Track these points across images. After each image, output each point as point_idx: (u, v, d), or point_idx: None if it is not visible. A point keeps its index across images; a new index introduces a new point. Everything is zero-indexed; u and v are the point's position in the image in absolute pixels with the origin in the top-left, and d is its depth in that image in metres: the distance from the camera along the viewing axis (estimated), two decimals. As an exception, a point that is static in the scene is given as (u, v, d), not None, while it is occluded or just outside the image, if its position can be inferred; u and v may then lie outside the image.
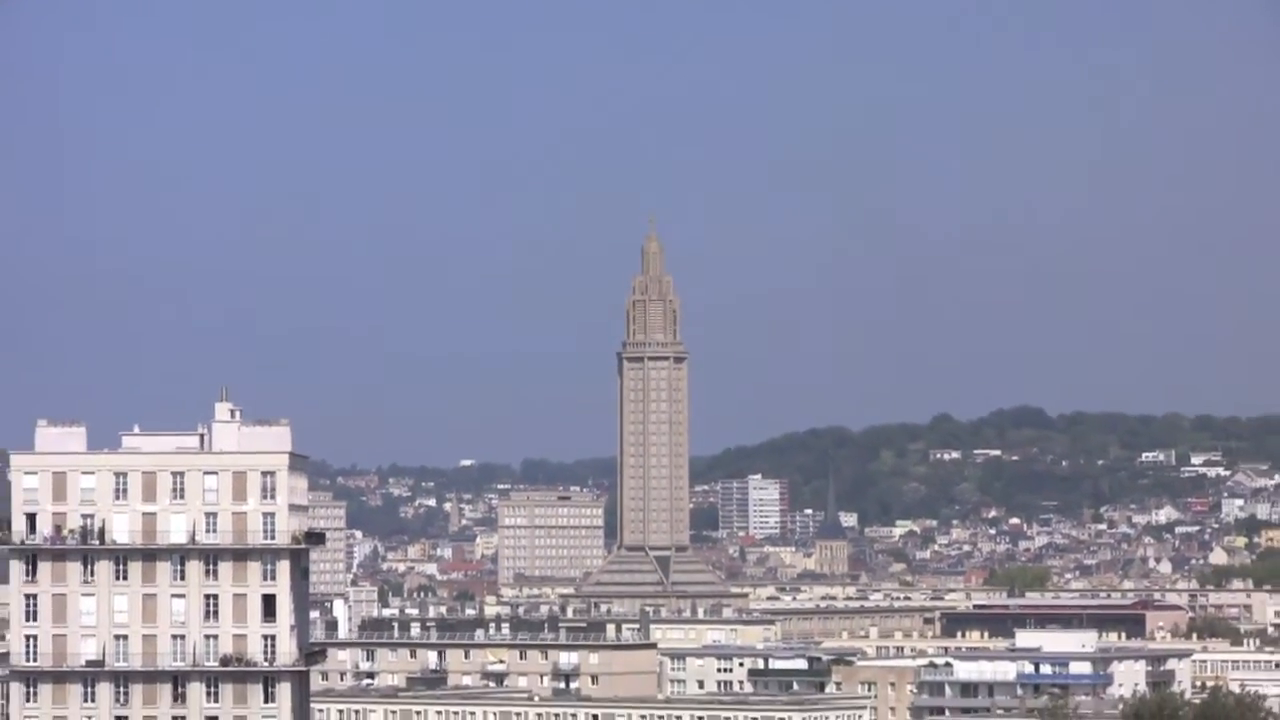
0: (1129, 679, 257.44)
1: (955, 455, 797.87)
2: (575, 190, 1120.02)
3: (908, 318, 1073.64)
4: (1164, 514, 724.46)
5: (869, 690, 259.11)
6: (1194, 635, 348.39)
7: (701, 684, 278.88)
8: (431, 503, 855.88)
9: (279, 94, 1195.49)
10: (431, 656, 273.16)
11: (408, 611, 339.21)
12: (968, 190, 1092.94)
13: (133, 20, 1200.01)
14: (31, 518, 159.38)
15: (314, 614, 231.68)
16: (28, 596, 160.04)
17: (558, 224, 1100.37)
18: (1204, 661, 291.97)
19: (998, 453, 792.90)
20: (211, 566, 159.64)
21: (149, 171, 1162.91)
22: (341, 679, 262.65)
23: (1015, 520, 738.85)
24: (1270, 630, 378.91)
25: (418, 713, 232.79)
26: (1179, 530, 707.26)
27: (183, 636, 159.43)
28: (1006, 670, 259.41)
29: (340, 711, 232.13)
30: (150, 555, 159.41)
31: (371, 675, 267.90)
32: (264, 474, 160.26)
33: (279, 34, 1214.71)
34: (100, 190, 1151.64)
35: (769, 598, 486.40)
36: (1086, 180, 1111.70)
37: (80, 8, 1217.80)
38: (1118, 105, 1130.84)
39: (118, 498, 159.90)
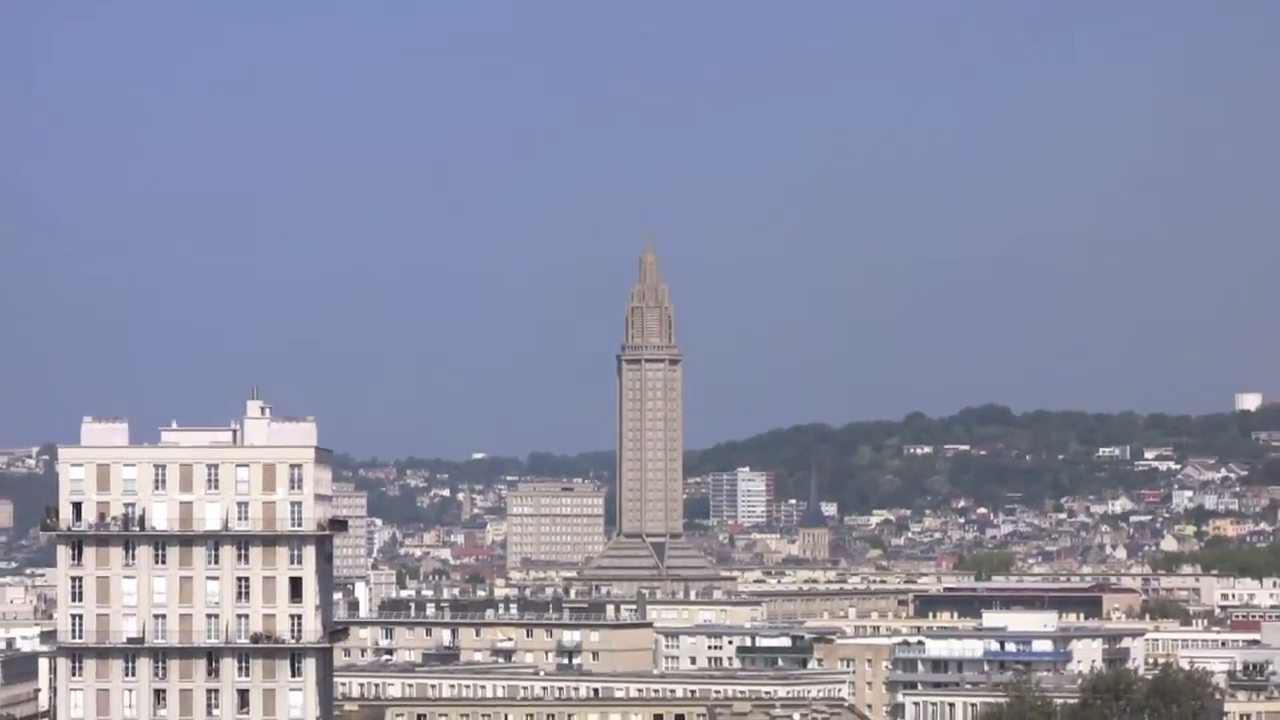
0: (1087, 656, 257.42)
1: (927, 450, 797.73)
2: (579, 205, 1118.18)
3: (884, 323, 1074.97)
4: (1119, 504, 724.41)
5: (848, 666, 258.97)
6: (1147, 616, 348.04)
7: (694, 660, 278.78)
8: (445, 493, 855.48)
9: (287, 107, 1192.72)
10: (445, 634, 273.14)
11: (423, 593, 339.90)
12: (939, 205, 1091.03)
13: (199, 21, 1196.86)
14: (77, 506, 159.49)
15: (337, 595, 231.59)
16: (73, 579, 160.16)
17: (563, 237, 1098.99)
18: (1156, 640, 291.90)
19: (966, 448, 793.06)
20: (243, 551, 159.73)
21: (192, 185, 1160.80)
22: (362, 655, 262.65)
23: (982, 510, 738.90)
24: (1217, 612, 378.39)
25: (432, 686, 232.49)
26: (1133, 519, 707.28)
27: (216, 616, 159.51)
28: (974, 648, 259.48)
29: (361, 685, 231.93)
30: (187, 541, 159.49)
31: (390, 652, 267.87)
32: (292, 466, 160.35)
33: (290, 46, 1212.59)
34: (144, 202, 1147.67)
35: (756, 581, 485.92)
36: (1049, 192, 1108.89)
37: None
38: (1083, 112, 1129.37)
39: (157, 488, 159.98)
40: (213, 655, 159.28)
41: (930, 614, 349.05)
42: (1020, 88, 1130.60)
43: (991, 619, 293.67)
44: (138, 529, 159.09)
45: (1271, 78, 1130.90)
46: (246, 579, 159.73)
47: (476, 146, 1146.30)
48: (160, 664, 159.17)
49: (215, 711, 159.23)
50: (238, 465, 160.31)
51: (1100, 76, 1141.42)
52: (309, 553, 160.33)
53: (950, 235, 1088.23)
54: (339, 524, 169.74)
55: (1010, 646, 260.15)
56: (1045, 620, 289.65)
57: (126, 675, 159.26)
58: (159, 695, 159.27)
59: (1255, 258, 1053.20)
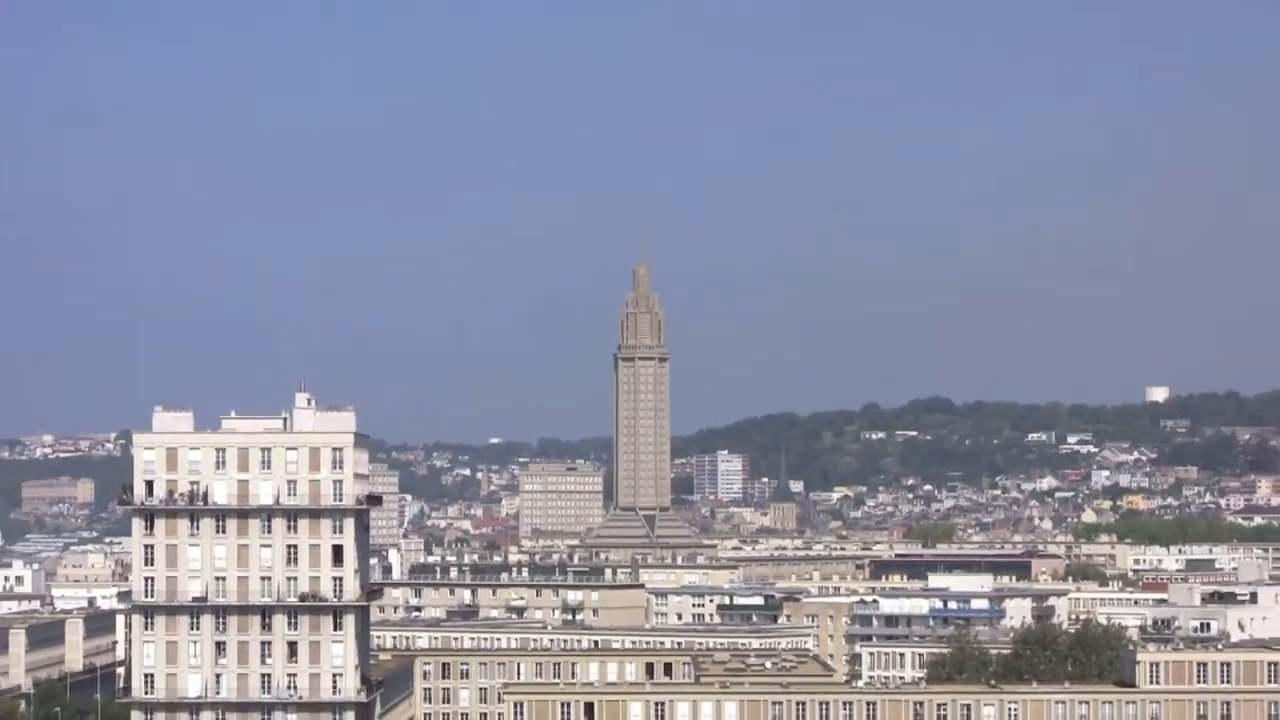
0: (1018, 613, 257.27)
1: (881, 435, 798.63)
2: (582, 225, 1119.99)
3: (844, 327, 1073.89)
4: (1046, 482, 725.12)
5: (812, 622, 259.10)
6: (1069, 579, 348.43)
7: (680, 616, 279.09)
8: (466, 472, 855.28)
9: (320, 124, 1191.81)
10: (466, 594, 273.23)
11: (447, 559, 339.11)
12: (894, 218, 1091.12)
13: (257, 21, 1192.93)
14: (150, 484, 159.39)
15: (373, 560, 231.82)
16: (146, 547, 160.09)
17: (569, 253, 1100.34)
18: (1078, 599, 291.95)
19: (914, 434, 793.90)
20: (292, 523, 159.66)
21: (249, 201, 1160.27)
22: (395, 612, 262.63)
23: (928, 487, 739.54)
24: (1130, 575, 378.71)
25: (455, 639, 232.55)
26: (1058, 495, 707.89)
27: (269, 578, 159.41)
28: (921, 606, 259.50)
29: (394, 638, 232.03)
30: (244, 514, 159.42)
31: (419, 609, 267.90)
32: (334, 450, 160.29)
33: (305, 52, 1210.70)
34: (210, 217, 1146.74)
35: (733, 548, 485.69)
36: (982, 204, 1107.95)
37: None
38: (1008, 118, 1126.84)
39: (218, 468, 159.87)
40: (266, 612, 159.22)
41: (883, 577, 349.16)
42: (958, 94, 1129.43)
43: (936, 581, 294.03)
44: (201, 504, 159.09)
45: (1177, 79, 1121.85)
46: (295, 546, 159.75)
47: (501, 178, 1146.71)
48: (220, 620, 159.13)
49: (268, 660, 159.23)
50: (287, 449, 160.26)
51: (1015, 83, 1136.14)
52: (349, 524, 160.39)
53: (901, 249, 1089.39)
54: (374, 499, 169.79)
55: (952, 605, 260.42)
56: (982, 582, 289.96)
57: (191, 630, 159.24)
58: (219, 646, 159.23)
59: (1165, 268, 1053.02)
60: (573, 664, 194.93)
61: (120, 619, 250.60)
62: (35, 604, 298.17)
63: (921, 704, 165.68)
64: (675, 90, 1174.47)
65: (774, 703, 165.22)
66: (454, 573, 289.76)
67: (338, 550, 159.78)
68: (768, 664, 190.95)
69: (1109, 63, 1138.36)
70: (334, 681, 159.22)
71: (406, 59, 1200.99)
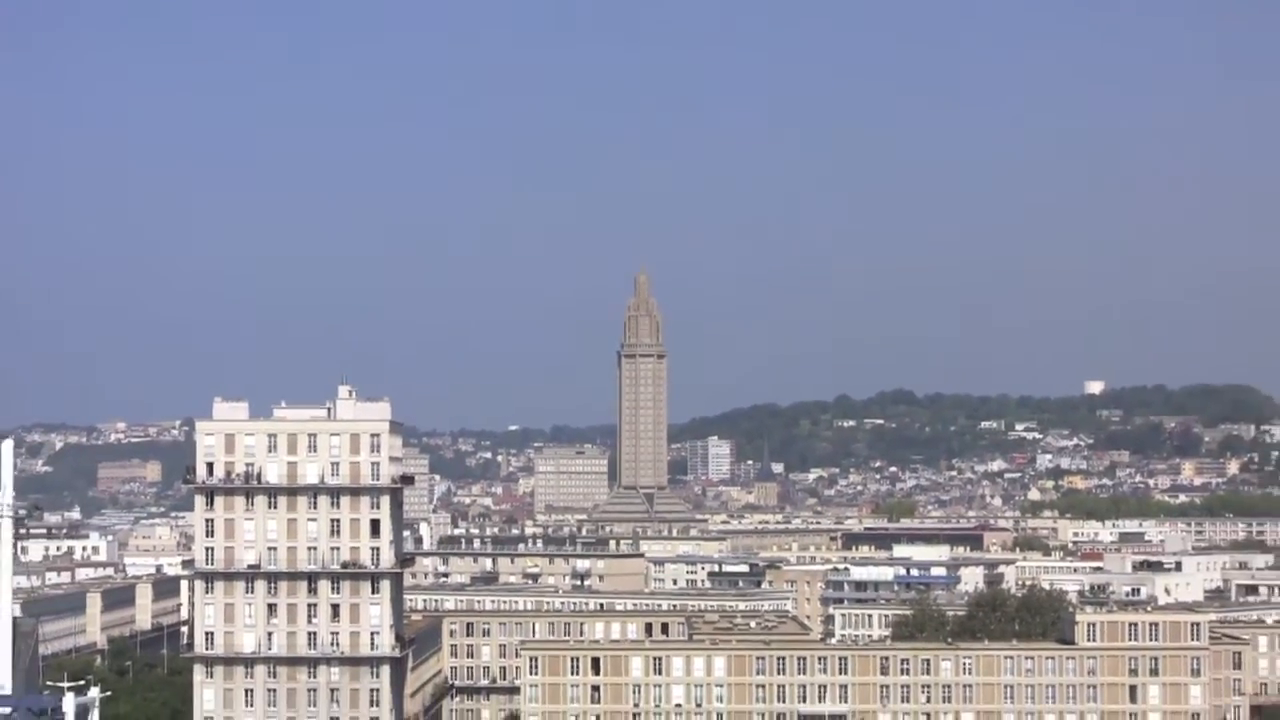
0: (972, 580, 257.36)
1: (852, 424, 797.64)
2: (592, 238, 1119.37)
3: (820, 328, 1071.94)
4: (996, 465, 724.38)
5: (791, 587, 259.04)
6: (1017, 549, 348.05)
7: (675, 582, 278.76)
8: (488, 455, 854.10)
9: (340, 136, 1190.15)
10: (488, 562, 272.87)
11: (471, 531, 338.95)
12: (864, 232, 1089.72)
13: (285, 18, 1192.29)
14: (210, 465, 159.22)
15: (406, 533, 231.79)
16: (206, 520, 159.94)
17: (580, 263, 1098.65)
18: (1024, 567, 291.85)
19: (881, 422, 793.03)
20: (335, 500, 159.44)
21: (289, 212, 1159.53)
22: (425, 578, 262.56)
23: (893, 469, 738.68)
24: (1069, 546, 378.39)
25: (478, 601, 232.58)
26: (1006, 476, 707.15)
27: (315, 548, 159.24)
28: (886, 573, 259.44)
29: (424, 601, 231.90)
30: (292, 492, 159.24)
31: (446, 575, 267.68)
32: (371, 435, 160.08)
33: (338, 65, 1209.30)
34: (261, 223, 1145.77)
35: (722, 522, 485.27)
36: (949, 210, 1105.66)
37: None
38: (957, 120, 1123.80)
39: (269, 451, 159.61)
40: (312, 578, 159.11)
41: (853, 547, 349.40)
42: (925, 104, 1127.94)
43: (900, 551, 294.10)
44: (255, 483, 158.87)
45: (1118, 79, 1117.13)
46: (338, 520, 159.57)
47: (522, 198, 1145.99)
48: (272, 584, 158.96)
49: (314, 620, 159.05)
50: (331, 434, 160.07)
51: (969, 97, 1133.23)
52: (385, 501, 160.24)
53: (871, 259, 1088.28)
54: (407, 479, 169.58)
55: (914, 572, 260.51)
56: (940, 552, 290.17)
57: (246, 593, 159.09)
58: (271, 608, 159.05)
59: (1102, 276, 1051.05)
60: (581, 624, 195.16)
61: (184, 584, 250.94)
62: (109, 571, 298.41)
63: (887, 659, 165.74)
64: (675, 106, 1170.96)
65: (757, 657, 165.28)
66: (477, 543, 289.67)
67: (375, 524, 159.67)
68: (752, 624, 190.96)
69: (1079, 68, 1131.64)
70: (371, 639, 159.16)
71: (437, 70, 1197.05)
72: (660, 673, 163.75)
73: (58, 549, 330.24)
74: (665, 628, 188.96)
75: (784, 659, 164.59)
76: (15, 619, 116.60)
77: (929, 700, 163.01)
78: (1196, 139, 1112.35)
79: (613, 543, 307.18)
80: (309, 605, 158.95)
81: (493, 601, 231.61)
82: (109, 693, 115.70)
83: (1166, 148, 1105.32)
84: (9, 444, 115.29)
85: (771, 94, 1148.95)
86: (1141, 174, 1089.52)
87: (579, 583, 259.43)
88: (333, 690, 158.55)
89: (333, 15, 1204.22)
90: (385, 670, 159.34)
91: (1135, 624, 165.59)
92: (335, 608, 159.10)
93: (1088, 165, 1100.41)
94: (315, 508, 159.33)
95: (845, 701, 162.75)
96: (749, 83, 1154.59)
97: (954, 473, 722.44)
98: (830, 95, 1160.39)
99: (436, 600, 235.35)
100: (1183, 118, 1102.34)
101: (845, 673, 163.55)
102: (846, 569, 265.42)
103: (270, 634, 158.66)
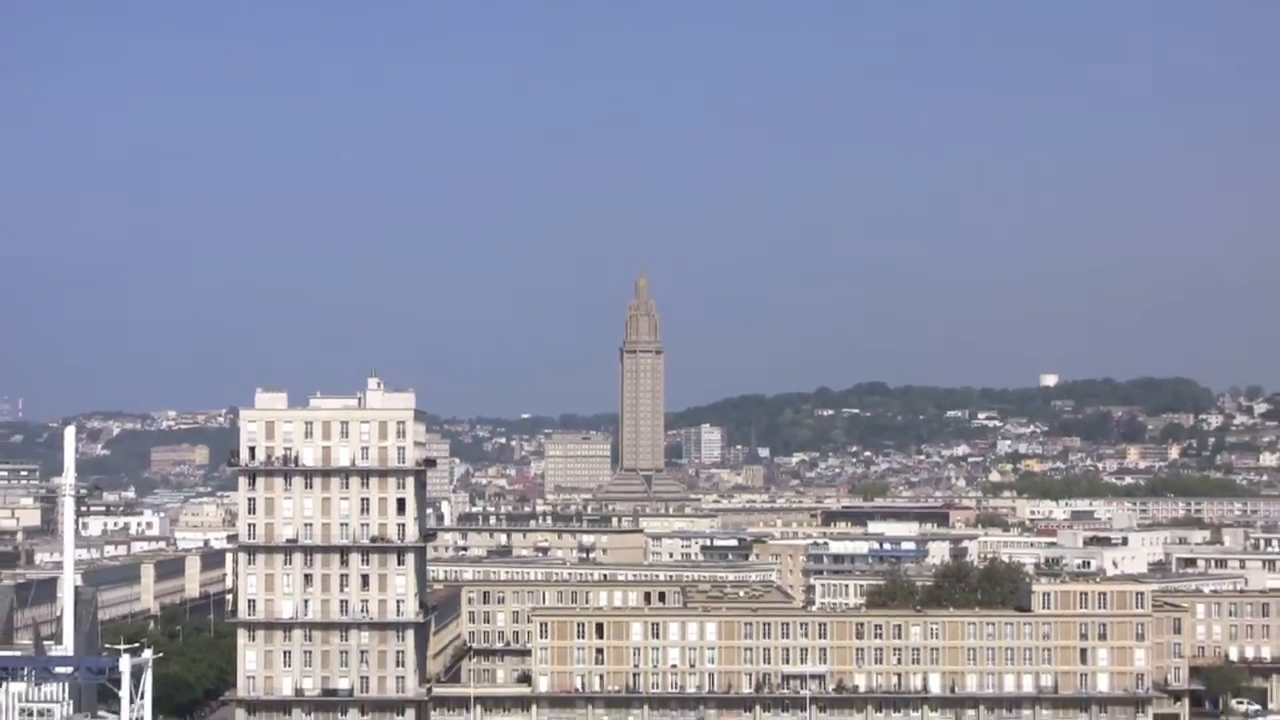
0: (939, 553, 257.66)
1: (830, 412, 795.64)
2: (599, 245, 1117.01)
3: (803, 326, 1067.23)
4: (961, 450, 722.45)
5: (776, 559, 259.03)
6: (979, 526, 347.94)
7: (671, 555, 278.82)
8: (503, 441, 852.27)
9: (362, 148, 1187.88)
10: (502, 537, 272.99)
11: (487, 509, 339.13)
12: (843, 236, 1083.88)
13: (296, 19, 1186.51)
14: (252, 450, 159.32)
15: (428, 510, 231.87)
16: (249, 499, 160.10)
17: (585, 266, 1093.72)
18: (986, 542, 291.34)
19: (857, 411, 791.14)
20: (365, 481, 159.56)
21: (322, 215, 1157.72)
22: (446, 551, 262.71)
23: (868, 453, 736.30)
24: (1027, 522, 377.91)
25: (493, 572, 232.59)
26: (970, 460, 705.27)
27: (347, 524, 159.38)
28: (861, 548, 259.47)
29: (445, 571, 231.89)
30: (326, 473, 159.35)
31: (465, 549, 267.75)
32: (398, 423, 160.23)
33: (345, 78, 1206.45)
34: (301, 226, 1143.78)
35: (714, 501, 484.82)
36: (901, 217, 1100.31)
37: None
38: (924, 132, 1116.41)
39: (306, 437, 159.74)
40: (344, 551, 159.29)
41: (832, 524, 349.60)
42: (894, 109, 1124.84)
43: (874, 527, 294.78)
44: (293, 465, 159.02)
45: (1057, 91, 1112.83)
46: (367, 499, 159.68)
47: (535, 208, 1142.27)
48: (308, 557, 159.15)
49: (345, 589, 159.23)
50: (361, 422, 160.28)
51: (940, 101, 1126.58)
52: (410, 481, 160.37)
53: (849, 263, 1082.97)
54: (430, 462, 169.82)
55: (886, 546, 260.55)
56: (910, 529, 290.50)
57: (285, 564, 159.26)
58: (307, 578, 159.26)
59: (1056, 276, 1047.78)
60: (586, 592, 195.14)
61: (229, 556, 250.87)
62: (161, 544, 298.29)
63: (862, 624, 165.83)
64: (673, 125, 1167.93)
65: (745, 623, 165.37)
66: (492, 520, 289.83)
67: (401, 502, 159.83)
68: (740, 593, 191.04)
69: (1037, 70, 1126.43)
70: (398, 606, 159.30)
71: (457, 86, 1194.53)
72: (658, 637, 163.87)
73: (115, 525, 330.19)
74: (662, 596, 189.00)
75: (769, 624, 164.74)
76: (76, 588, 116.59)
77: (899, 662, 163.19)
78: (1139, 144, 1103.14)
79: (615, 519, 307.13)
80: (341, 575, 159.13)
81: (507, 572, 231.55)
82: (161, 654, 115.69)
83: (1114, 155, 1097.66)
84: (71, 430, 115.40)
85: (758, 119, 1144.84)
86: (1092, 185, 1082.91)
87: (584, 555, 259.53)
88: (362, 652, 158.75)
89: (365, 20, 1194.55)
90: (410, 634, 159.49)
91: (1086, 593, 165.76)
92: (365, 578, 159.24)
93: (1045, 177, 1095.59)
94: (347, 488, 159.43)
95: (824, 663, 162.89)
96: (737, 104, 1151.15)
97: (922, 457, 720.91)
98: (820, 112, 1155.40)
99: (456, 571, 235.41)
100: (1125, 120, 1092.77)
101: (824, 637, 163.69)
102: (825, 543, 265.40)
103: (306, 601, 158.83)
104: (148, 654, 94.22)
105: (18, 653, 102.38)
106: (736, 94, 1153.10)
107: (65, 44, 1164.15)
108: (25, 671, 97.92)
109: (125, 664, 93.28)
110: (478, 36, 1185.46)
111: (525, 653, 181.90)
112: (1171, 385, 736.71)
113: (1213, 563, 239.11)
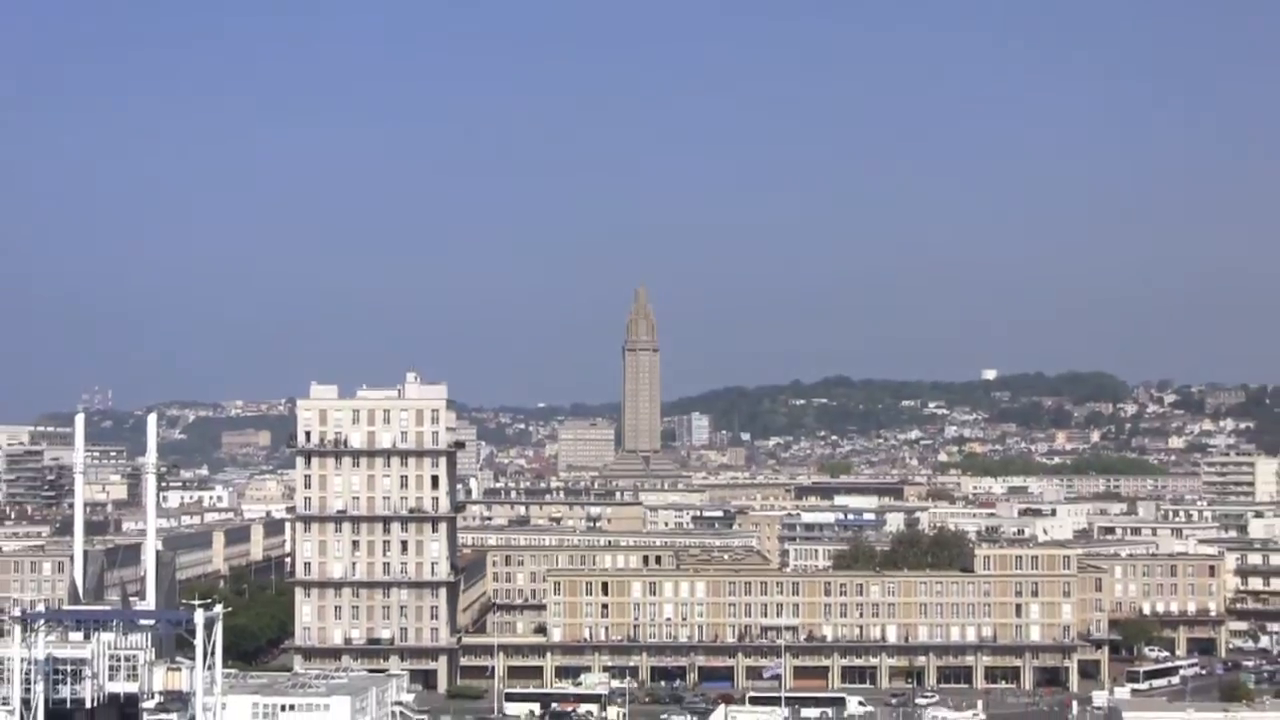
0: (895, 523, 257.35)
1: (803, 402, 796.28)
2: (604, 254, 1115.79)
3: (778, 328, 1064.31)
4: (914, 434, 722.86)
5: (756, 528, 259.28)
6: (930, 499, 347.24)
7: (666, 524, 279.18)
8: (522, 426, 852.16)
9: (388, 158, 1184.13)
10: (521, 508, 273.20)
11: (508, 485, 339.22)
12: (815, 250, 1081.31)
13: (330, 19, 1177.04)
14: (308, 434, 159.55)
15: (458, 486, 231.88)
16: (305, 476, 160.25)
17: (592, 275, 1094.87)
18: (936, 513, 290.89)
19: (825, 400, 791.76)
20: (404, 460, 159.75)
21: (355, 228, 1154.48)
22: (473, 520, 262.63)
23: (835, 437, 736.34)
24: (970, 496, 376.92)
25: (514, 539, 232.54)
26: (921, 443, 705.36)
27: (388, 497, 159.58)
28: (829, 518, 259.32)
29: (472, 538, 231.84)
30: (371, 454, 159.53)
31: (489, 519, 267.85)
32: (432, 410, 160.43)
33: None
34: (349, 235, 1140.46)
35: (702, 478, 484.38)
36: (871, 225, 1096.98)
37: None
38: (851, 135, 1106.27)
39: (354, 423, 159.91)
40: (386, 521, 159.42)
41: (804, 497, 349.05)
42: (865, 126, 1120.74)
43: (839, 500, 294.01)
44: (343, 447, 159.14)
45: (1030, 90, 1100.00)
46: (406, 476, 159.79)
47: (550, 222, 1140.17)
48: (356, 526, 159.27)
49: (387, 554, 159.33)
50: (401, 410, 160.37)
51: (910, 110, 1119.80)
52: (443, 461, 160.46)
53: (820, 275, 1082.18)
54: (459, 444, 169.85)
55: (850, 516, 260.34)
56: (870, 501, 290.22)
57: (336, 532, 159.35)
58: (354, 544, 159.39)
59: (996, 284, 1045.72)
60: (594, 556, 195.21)
61: (288, 525, 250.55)
62: (230, 515, 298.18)
63: (829, 584, 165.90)
64: (671, 136, 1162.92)
65: (729, 582, 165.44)
66: (513, 494, 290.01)
67: (435, 479, 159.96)
68: (725, 556, 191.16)
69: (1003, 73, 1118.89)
70: (432, 568, 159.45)
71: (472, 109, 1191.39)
72: (655, 594, 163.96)
73: (190, 498, 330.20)
74: (659, 559, 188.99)
75: (750, 584, 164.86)
76: (157, 551, 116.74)
77: (861, 616, 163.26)
78: (1071, 150, 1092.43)
79: (618, 494, 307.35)
80: (384, 542, 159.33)
81: (525, 539, 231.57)
82: (229, 609, 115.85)
83: (1054, 158, 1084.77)
84: (153, 417, 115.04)
85: (742, 153, 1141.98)
86: (1031, 190, 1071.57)
87: (592, 524, 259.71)
88: (402, 607, 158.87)
89: (380, 23, 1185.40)
90: (443, 592, 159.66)
91: (1020, 556, 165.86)
92: (404, 543, 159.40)
93: (990, 193, 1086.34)
94: (389, 466, 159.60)
95: (797, 616, 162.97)
96: (723, 138, 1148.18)
97: (881, 440, 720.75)
98: (812, 133, 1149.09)
99: (482, 538, 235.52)
100: (1060, 124, 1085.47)
101: (797, 594, 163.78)
102: (798, 514, 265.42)
103: (354, 563, 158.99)
104: (218, 608, 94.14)
105: (108, 607, 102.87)
106: (724, 128, 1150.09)
107: (151, 64, 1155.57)
108: (114, 623, 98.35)
109: (199, 617, 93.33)
110: (508, 64, 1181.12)
111: (541, 607, 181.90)
112: (1094, 378, 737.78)
113: (1129, 530, 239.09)
